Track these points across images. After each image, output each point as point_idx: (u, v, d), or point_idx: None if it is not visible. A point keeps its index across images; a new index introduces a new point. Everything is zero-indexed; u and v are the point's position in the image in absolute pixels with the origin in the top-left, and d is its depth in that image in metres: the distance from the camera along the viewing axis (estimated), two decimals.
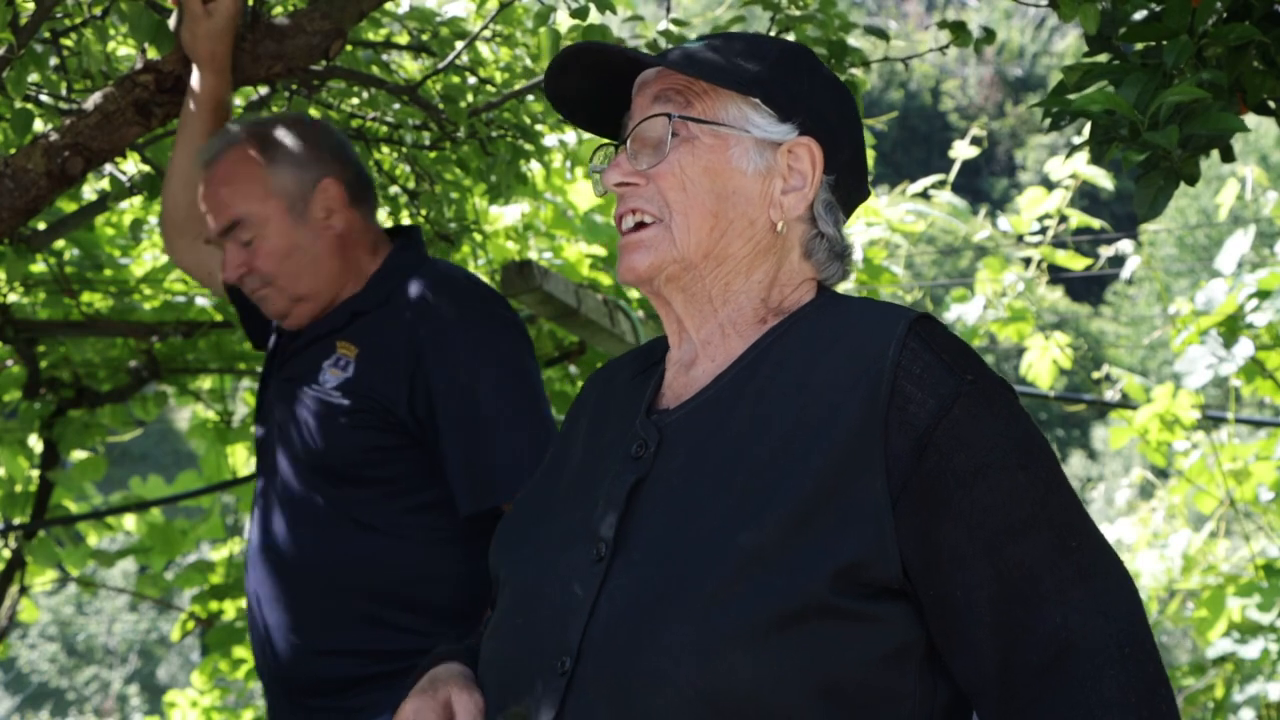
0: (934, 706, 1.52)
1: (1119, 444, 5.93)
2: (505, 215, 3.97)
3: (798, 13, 2.90)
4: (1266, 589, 5.42)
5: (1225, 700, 5.59)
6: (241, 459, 4.88)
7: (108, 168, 2.99)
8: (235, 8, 2.58)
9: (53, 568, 4.82)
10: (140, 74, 2.63)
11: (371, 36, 3.16)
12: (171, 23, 2.62)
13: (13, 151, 2.66)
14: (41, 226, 3.43)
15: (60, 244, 3.84)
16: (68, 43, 2.82)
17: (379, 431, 2.57)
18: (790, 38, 2.87)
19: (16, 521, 4.57)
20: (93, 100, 2.60)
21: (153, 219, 3.82)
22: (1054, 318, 14.27)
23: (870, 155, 3.47)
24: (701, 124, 1.63)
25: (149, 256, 4.18)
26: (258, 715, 5.61)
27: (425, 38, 3.15)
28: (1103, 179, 5.35)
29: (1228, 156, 2.26)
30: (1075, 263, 5.57)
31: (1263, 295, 5.06)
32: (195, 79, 2.64)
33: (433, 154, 3.35)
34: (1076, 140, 4.96)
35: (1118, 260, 5.87)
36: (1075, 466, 26.44)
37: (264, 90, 3.23)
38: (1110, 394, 5.80)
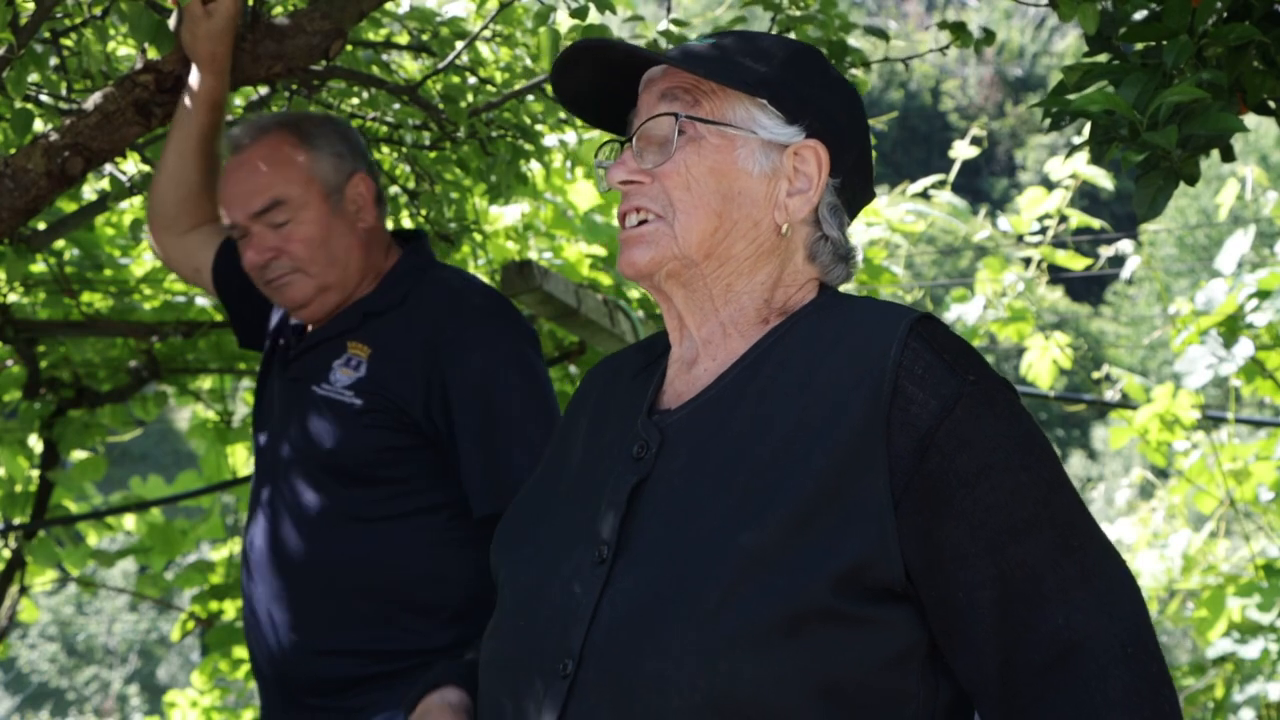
0: (936, 706, 1.52)
1: (1119, 444, 5.92)
2: (505, 215, 3.96)
3: (798, 13, 2.90)
4: (1266, 589, 5.41)
5: (1225, 700, 5.58)
6: (241, 459, 4.88)
7: (108, 168, 2.98)
8: (235, 8, 2.58)
9: (53, 568, 4.81)
10: (140, 74, 2.63)
11: (371, 36, 3.16)
12: (171, 23, 2.62)
13: (13, 151, 2.66)
14: (41, 226, 3.43)
15: (60, 244, 3.83)
16: (68, 43, 2.82)
17: (392, 431, 2.57)
18: (791, 38, 2.86)
19: (16, 521, 4.56)
20: (93, 100, 2.60)
21: None
22: (1054, 318, 14.27)
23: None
24: (708, 124, 1.62)
25: (149, 256, 4.17)
26: (257, 715, 5.60)
27: (425, 38, 3.15)
28: (1103, 179, 5.35)
29: (1228, 156, 2.26)
30: (1075, 263, 5.57)
31: (1263, 295, 5.05)
32: (194, 78, 2.64)
33: (433, 154, 3.35)
34: (1076, 140, 4.96)
35: (1118, 260, 5.86)
36: (1075, 466, 26.40)
37: (264, 90, 3.23)
38: (1110, 394, 5.80)
